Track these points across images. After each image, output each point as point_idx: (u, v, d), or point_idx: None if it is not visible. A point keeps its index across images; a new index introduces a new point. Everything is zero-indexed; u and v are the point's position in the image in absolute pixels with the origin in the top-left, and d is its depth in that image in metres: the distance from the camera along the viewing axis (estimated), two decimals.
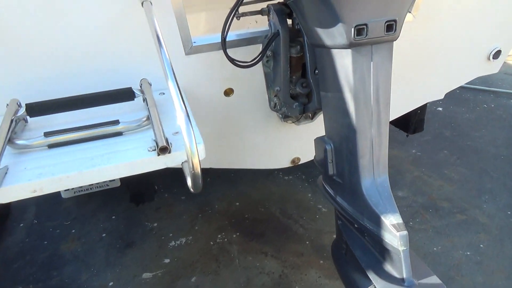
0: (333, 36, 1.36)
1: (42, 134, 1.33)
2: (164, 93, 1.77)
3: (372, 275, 1.44)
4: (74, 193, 2.04)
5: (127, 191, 2.35)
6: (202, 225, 3.01)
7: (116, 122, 1.39)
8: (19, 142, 1.31)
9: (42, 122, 1.51)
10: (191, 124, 1.18)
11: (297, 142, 2.33)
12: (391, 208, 1.42)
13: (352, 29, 1.30)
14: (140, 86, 1.62)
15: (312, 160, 1.86)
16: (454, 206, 3.01)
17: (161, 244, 2.80)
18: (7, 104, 1.45)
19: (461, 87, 3.72)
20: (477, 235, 2.73)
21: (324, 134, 1.66)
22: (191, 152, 1.13)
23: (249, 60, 1.79)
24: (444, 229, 2.79)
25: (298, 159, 2.38)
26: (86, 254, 2.78)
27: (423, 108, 2.62)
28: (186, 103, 1.24)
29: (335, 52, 1.41)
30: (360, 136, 1.45)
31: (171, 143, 1.26)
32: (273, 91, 1.97)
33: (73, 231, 3.00)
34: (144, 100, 1.52)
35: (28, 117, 1.44)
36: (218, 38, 1.76)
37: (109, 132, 1.36)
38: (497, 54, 2.43)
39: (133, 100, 1.56)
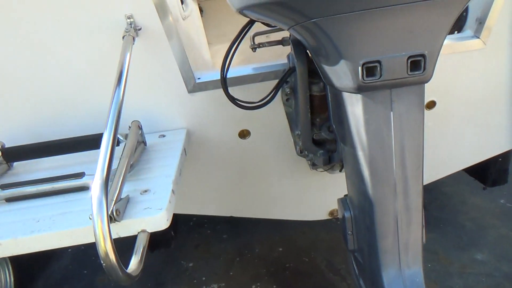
0: (337, 75, 1.02)
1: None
2: (164, 135, 1.57)
3: None
4: None
5: None
6: (237, 271, 2.73)
7: (81, 175, 1.21)
8: None
9: (27, 166, 1.40)
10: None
11: (334, 192, 1.94)
12: None
13: (359, 68, 0.94)
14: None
15: None
16: None
17: None
18: None
19: None
20: None
21: None
22: (100, 229, 0.85)
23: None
24: None
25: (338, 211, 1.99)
26: None
27: (506, 156, 2.04)
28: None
29: (346, 96, 1.06)
30: (380, 210, 1.06)
31: (120, 210, 1.03)
32: (295, 134, 1.65)
33: None
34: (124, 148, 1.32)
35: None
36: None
37: (71, 186, 1.18)
38: None
39: (118, 145, 1.38)
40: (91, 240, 1.06)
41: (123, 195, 1.14)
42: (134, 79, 1.49)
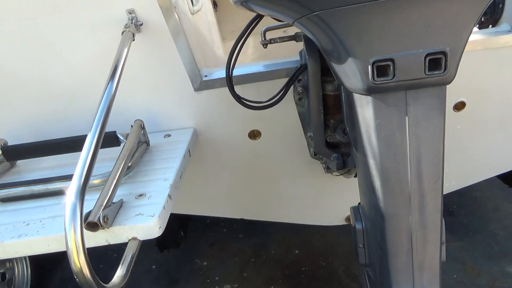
0: (346, 75, 0.91)
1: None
2: (170, 135, 1.51)
3: None
4: None
5: None
6: (252, 272, 2.66)
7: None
8: None
9: (29, 165, 1.37)
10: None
11: (351, 197, 1.83)
12: None
13: (370, 67, 0.83)
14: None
15: None
16: None
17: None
18: None
19: None
20: None
21: None
22: (73, 241, 0.78)
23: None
24: None
25: None
26: (131, 285, 2.68)
27: None
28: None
29: (357, 98, 0.95)
30: (392, 225, 0.95)
31: (109, 215, 0.97)
32: (308, 136, 1.55)
33: None
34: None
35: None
36: (235, 71, 1.43)
37: (65, 188, 1.13)
38: None
39: (119, 145, 1.33)
40: None
41: (117, 199, 1.08)
42: (138, 76, 1.43)
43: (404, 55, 0.81)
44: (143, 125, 1.37)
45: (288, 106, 1.53)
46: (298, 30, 1.46)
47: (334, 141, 1.47)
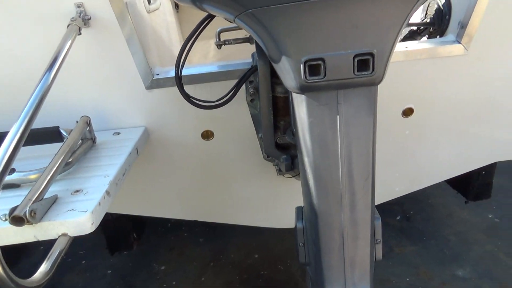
0: (283, 74, 0.93)
1: None
2: (119, 133, 1.48)
3: None
4: None
5: (101, 233, 2.09)
6: (210, 277, 2.64)
7: (12, 171, 1.11)
8: None
9: None
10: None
11: None
12: None
13: (302, 66, 0.84)
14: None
15: None
16: None
17: None
18: None
19: None
20: None
21: None
22: None
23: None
24: None
25: None
26: None
27: (490, 169, 1.93)
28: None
29: (294, 97, 0.97)
30: (325, 223, 0.97)
31: (38, 210, 0.94)
32: (259, 137, 1.55)
33: (83, 262, 2.86)
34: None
35: None
36: (188, 70, 1.42)
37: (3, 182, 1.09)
38: None
39: (62, 141, 1.29)
40: (6, 242, 0.97)
41: (53, 194, 1.05)
42: (87, 72, 1.41)
43: (334, 55, 0.83)
44: (90, 121, 1.35)
45: (241, 107, 1.53)
46: None
47: (284, 143, 1.48)
